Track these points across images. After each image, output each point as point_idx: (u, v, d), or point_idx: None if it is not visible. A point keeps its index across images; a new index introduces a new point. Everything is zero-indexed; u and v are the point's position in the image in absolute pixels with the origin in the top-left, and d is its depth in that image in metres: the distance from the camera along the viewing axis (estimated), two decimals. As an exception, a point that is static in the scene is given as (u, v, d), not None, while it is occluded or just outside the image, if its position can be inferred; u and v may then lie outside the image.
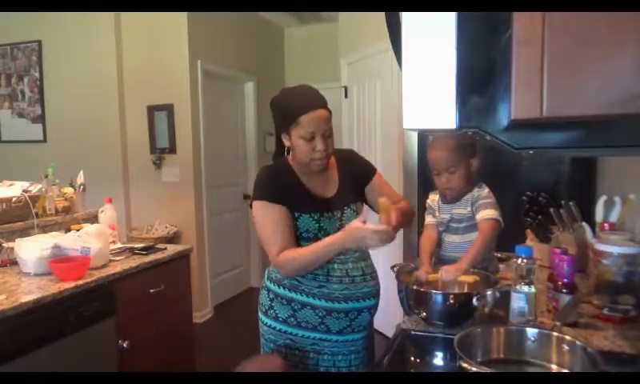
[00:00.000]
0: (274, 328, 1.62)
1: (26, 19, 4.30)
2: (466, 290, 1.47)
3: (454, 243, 1.69)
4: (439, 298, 1.43)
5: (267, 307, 1.64)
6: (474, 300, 1.37)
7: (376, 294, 1.64)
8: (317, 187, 1.61)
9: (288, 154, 1.63)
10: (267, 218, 1.53)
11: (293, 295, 1.58)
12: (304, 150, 1.52)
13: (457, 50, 0.70)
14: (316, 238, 1.53)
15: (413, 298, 1.48)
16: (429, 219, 1.77)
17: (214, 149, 4.47)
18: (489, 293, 1.39)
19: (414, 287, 1.49)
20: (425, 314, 1.45)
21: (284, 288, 1.60)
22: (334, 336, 1.58)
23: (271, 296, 1.63)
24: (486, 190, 1.67)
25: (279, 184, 1.57)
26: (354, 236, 1.42)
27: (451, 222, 1.69)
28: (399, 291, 1.54)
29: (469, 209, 1.66)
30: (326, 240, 1.49)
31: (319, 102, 1.53)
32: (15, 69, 4.51)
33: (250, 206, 1.61)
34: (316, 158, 1.53)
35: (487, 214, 1.60)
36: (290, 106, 1.53)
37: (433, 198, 1.79)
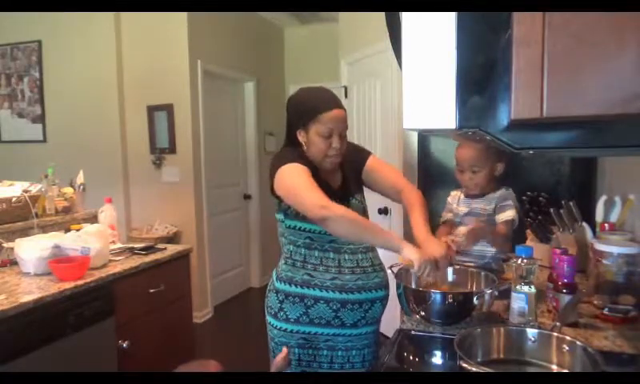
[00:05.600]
0: (285, 330, 1.61)
1: (26, 19, 4.29)
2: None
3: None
4: (438, 297, 1.43)
5: (277, 310, 1.62)
6: (474, 299, 1.39)
7: (386, 286, 1.66)
8: (327, 178, 1.63)
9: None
10: (302, 175, 1.48)
11: (305, 291, 1.58)
12: (320, 146, 1.55)
13: (457, 49, 0.70)
14: None
15: (412, 297, 1.48)
16: (447, 216, 1.82)
17: (214, 149, 4.47)
18: (488, 292, 1.40)
19: (413, 287, 1.50)
20: (424, 312, 1.46)
21: (296, 285, 1.59)
22: (349, 330, 1.59)
23: (281, 297, 1.62)
24: (512, 195, 1.75)
25: (302, 163, 1.54)
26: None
27: (467, 215, 1.73)
28: (398, 291, 1.54)
29: (492, 206, 1.72)
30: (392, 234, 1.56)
31: (338, 103, 1.58)
32: (15, 69, 4.51)
33: (271, 188, 1.57)
34: (331, 156, 1.57)
35: (506, 215, 1.71)
36: (312, 103, 1.56)
37: (455, 194, 1.84)
